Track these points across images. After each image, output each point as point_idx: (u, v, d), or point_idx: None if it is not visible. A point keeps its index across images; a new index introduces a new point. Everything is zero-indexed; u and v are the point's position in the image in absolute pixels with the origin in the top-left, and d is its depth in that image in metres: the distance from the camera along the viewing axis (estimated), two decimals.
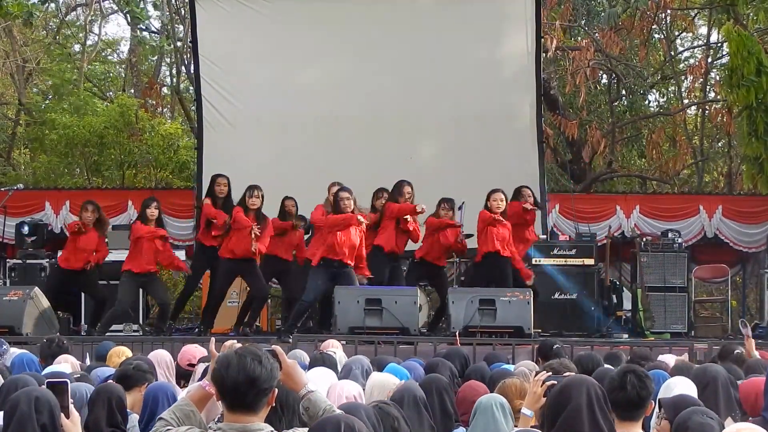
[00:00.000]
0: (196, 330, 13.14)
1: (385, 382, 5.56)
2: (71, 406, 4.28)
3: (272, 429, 3.58)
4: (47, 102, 23.24)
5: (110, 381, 5.59)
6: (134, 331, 12.96)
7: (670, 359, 8.03)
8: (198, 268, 12.81)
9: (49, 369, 6.76)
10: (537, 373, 4.80)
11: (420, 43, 14.66)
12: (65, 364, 6.95)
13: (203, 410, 4.06)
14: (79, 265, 12.26)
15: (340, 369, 6.74)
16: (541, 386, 4.59)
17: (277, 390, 3.62)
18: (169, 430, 3.81)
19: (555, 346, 7.50)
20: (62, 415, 4.22)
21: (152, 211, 12.07)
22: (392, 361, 6.77)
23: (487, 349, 9.56)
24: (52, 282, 12.63)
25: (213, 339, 4.47)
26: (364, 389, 5.44)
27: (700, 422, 4.48)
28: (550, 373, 4.69)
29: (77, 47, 25.03)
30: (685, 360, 8.80)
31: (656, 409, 4.86)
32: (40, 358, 7.50)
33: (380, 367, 6.52)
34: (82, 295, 13.60)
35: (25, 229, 14.14)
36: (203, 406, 4.06)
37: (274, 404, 3.63)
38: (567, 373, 4.79)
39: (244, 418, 3.54)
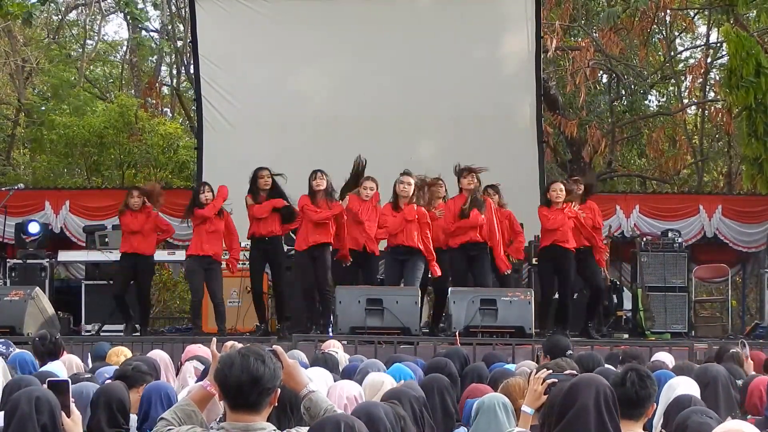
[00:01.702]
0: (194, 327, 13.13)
1: (376, 382, 5.53)
2: (72, 405, 4.28)
3: (274, 428, 3.59)
4: (47, 103, 23.23)
5: (112, 381, 5.59)
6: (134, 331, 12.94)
7: (666, 357, 8.04)
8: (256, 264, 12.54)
9: (45, 368, 6.75)
10: (537, 371, 4.79)
11: (420, 43, 14.67)
12: (58, 363, 6.94)
13: (204, 410, 4.06)
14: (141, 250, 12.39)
15: (341, 369, 6.75)
16: (542, 384, 4.59)
17: (280, 390, 3.63)
18: (170, 430, 3.81)
19: (569, 352, 7.23)
20: (63, 414, 4.22)
21: (206, 195, 12.11)
22: (404, 361, 6.73)
23: (487, 349, 9.56)
24: (120, 271, 12.70)
25: (214, 339, 4.48)
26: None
27: (698, 422, 4.48)
28: (551, 371, 4.68)
29: (77, 48, 25.04)
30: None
31: (658, 411, 4.87)
32: (34, 356, 7.47)
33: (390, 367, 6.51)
34: (83, 295, 13.61)
35: (35, 228, 14.06)
36: (204, 406, 4.06)
37: (282, 404, 3.63)
38: (567, 372, 4.77)
39: (246, 418, 3.55)
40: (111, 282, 13.14)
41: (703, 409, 4.75)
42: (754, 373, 7.32)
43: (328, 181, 11.85)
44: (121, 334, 12.59)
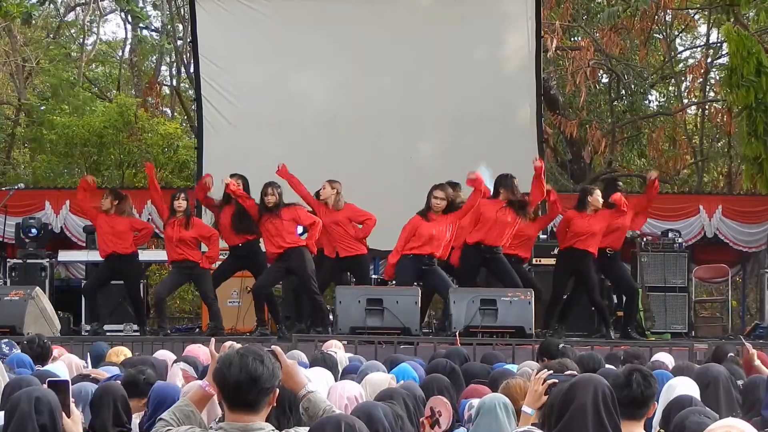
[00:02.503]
0: (197, 330, 13.14)
1: (378, 382, 5.53)
2: (72, 405, 4.28)
3: (273, 428, 3.59)
4: (46, 103, 23.23)
5: (113, 381, 5.58)
6: (134, 331, 12.96)
7: (666, 357, 8.03)
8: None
9: (46, 368, 6.75)
10: (538, 372, 4.80)
11: (420, 42, 14.66)
12: (60, 363, 6.93)
13: (203, 411, 4.06)
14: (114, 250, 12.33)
15: (341, 370, 6.75)
16: (542, 384, 4.60)
17: (278, 390, 3.62)
18: (169, 430, 3.82)
19: (561, 346, 7.43)
20: (63, 414, 4.22)
21: (179, 203, 12.11)
22: (405, 361, 6.73)
23: (487, 349, 9.56)
24: (100, 270, 12.74)
25: (213, 339, 4.48)
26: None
27: (697, 422, 4.49)
28: (552, 372, 4.69)
29: (77, 47, 25.04)
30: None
31: (658, 411, 4.88)
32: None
33: (393, 367, 6.51)
34: (83, 295, 13.61)
35: (32, 231, 14.07)
36: (203, 406, 4.07)
37: (281, 404, 3.63)
38: (568, 372, 4.78)
39: (245, 418, 3.54)
40: (111, 282, 13.13)
41: (702, 408, 4.76)
42: (761, 365, 7.33)
43: (279, 193, 11.90)
44: (122, 333, 12.61)
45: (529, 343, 10.52)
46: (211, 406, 4.20)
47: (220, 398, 3.60)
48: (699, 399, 5.23)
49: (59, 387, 4.30)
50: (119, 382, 5.55)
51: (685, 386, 5.42)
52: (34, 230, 14.06)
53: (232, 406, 3.55)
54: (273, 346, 3.90)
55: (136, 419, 5.32)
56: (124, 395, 5.17)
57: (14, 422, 4.23)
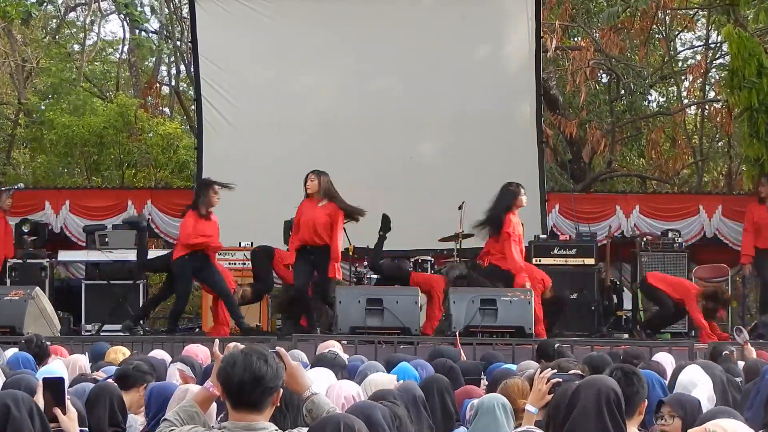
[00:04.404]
0: (197, 330, 13.14)
1: (378, 382, 5.54)
2: (68, 403, 4.27)
3: (276, 428, 3.59)
4: (46, 102, 23.21)
5: (108, 380, 5.59)
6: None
7: (666, 357, 8.04)
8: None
9: (45, 368, 6.75)
10: (541, 371, 4.80)
11: (420, 42, 14.67)
12: (58, 362, 6.94)
13: (206, 411, 4.07)
14: None
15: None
16: (546, 384, 4.60)
17: (282, 390, 3.62)
18: (173, 430, 3.82)
19: (556, 345, 7.48)
20: (59, 411, 4.20)
21: None
22: (404, 361, 6.74)
23: (487, 349, 9.56)
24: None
25: (217, 340, 4.49)
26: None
27: None
28: (555, 371, 4.69)
29: (76, 47, 25.03)
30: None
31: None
32: None
33: (391, 366, 6.51)
34: (83, 295, 13.61)
35: (26, 228, 14.11)
36: (207, 407, 4.07)
37: (278, 404, 3.63)
38: (572, 371, 4.78)
39: (248, 417, 3.55)
40: (111, 282, 13.11)
41: (730, 410, 4.74)
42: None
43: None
44: (121, 333, 12.59)
45: (528, 343, 10.52)
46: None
47: (223, 398, 3.60)
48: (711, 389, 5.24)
49: (54, 385, 4.28)
50: (114, 381, 5.58)
51: (700, 383, 5.44)
52: (27, 226, 14.07)
53: (235, 405, 3.55)
54: (277, 348, 3.90)
55: (139, 418, 5.33)
56: (120, 395, 5.19)
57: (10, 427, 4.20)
